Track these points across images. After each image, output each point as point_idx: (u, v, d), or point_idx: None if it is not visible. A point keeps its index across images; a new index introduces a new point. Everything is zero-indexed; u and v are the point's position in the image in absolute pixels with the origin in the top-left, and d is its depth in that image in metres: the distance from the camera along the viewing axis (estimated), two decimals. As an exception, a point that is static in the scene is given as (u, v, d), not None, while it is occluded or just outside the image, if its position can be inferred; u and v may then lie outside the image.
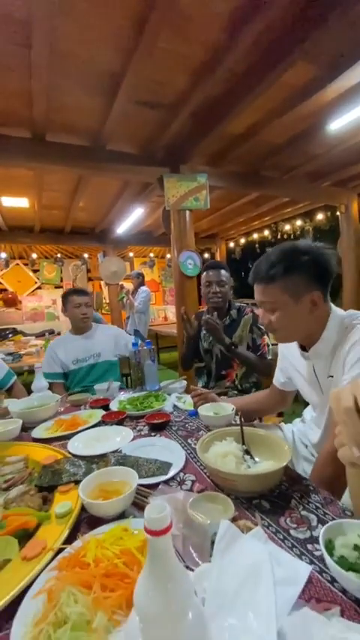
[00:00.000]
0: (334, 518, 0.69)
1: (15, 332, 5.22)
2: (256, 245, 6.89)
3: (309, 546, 0.63)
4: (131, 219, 4.71)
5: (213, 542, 0.60)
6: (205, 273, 1.89)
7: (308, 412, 1.30)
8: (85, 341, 2.06)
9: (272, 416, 2.14)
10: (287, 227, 6.09)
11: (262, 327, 1.78)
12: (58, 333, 5.18)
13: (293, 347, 1.09)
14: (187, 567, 0.58)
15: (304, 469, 1.20)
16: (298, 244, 0.94)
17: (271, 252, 0.96)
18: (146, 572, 0.42)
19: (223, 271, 1.85)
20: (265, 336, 1.79)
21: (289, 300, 0.91)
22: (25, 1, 1.53)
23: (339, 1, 1.63)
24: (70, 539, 0.66)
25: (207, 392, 1.33)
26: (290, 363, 1.18)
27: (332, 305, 0.98)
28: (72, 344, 2.05)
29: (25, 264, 6.66)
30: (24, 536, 0.67)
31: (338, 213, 4.66)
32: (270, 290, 0.93)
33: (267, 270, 0.92)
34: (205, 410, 1.21)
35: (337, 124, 2.70)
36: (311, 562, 0.59)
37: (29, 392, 1.69)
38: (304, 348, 1.05)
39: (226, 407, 1.22)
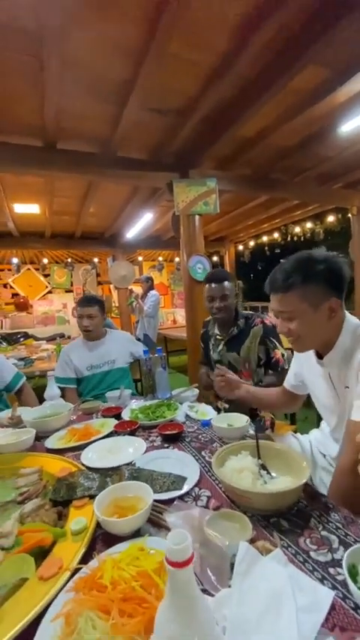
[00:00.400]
0: (356, 540, 0.67)
1: (26, 336, 5.28)
2: (266, 248, 6.84)
3: (331, 570, 0.61)
4: (140, 223, 4.74)
5: (232, 565, 0.59)
6: (207, 285, 1.78)
7: (325, 424, 1.27)
8: (99, 348, 2.06)
9: (285, 424, 2.11)
10: (297, 229, 6.02)
11: (274, 339, 1.73)
12: (69, 337, 5.23)
13: (310, 354, 1.09)
14: (206, 591, 0.57)
15: (322, 478, 1.18)
16: (313, 253, 0.95)
17: (287, 261, 0.97)
18: (167, 602, 0.41)
19: (225, 283, 1.73)
20: (278, 349, 1.72)
21: (308, 308, 0.92)
22: (35, 13, 1.55)
23: (349, 3, 1.61)
24: (86, 558, 0.65)
25: (230, 375, 1.32)
26: (307, 370, 1.18)
27: (346, 312, 0.99)
28: (86, 350, 2.04)
29: (36, 269, 6.75)
30: (39, 553, 0.67)
31: (349, 215, 4.59)
32: (288, 299, 0.94)
33: (284, 279, 0.93)
34: (219, 421, 1.19)
35: (348, 126, 2.67)
36: (333, 587, 0.58)
37: (39, 396, 1.70)
38: (319, 355, 1.05)
39: (241, 418, 1.20)
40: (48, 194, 3.71)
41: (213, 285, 1.76)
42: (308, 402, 1.32)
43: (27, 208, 4.14)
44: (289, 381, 1.30)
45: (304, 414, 2.73)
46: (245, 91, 2.28)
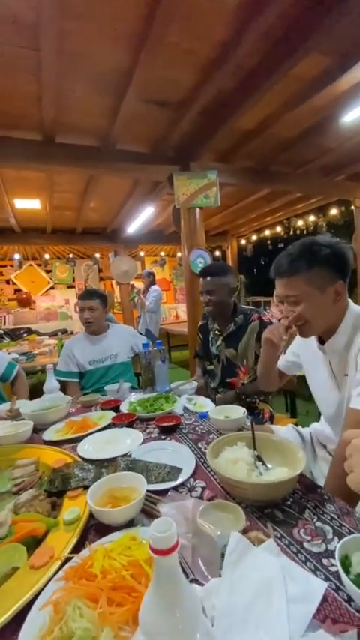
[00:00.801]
0: (350, 531, 0.67)
1: (29, 331, 5.30)
2: (269, 242, 6.79)
3: (324, 561, 0.60)
4: (141, 218, 4.71)
5: (223, 555, 0.58)
6: (200, 279, 1.79)
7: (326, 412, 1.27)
8: (101, 342, 2.06)
9: (285, 417, 2.10)
10: (300, 223, 5.96)
11: None
12: (71, 332, 5.24)
13: (311, 341, 1.10)
14: (196, 581, 0.57)
15: (322, 470, 1.17)
16: (318, 239, 0.96)
17: (292, 246, 0.98)
18: (152, 591, 0.40)
19: (214, 278, 1.71)
20: None
21: (315, 291, 0.93)
22: (31, 4, 1.52)
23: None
24: (77, 548, 0.65)
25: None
26: (307, 356, 1.19)
27: (350, 300, 1.00)
28: (89, 344, 2.04)
29: (39, 265, 6.76)
30: (32, 542, 0.67)
31: (353, 207, 4.53)
32: (294, 283, 0.95)
33: (289, 263, 0.95)
34: (216, 413, 1.19)
35: (351, 116, 2.62)
36: (326, 578, 0.57)
37: (40, 391, 1.70)
38: (321, 341, 1.05)
39: (238, 410, 1.19)
40: (48, 189, 3.69)
41: (202, 279, 1.77)
42: (309, 396, 1.31)
43: (28, 204, 4.13)
44: (281, 362, 1.30)
45: (305, 407, 2.72)
46: (245, 82, 2.24)
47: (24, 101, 2.25)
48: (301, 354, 1.23)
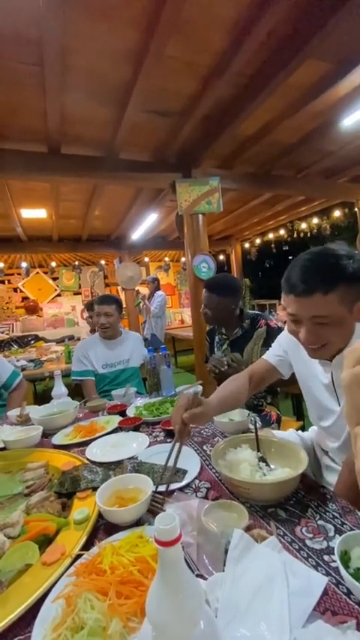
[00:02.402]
0: (352, 529, 0.68)
1: (37, 338, 5.38)
2: (272, 245, 6.80)
3: (325, 557, 0.62)
4: (145, 224, 4.78)
5: (226, 551, 0.60)
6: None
7: (318, 419, 1.23)
8: (116, 347, 2.10)
9: (291, 420, 2.11)
10: (304, 225, 5.98)
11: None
12: (78, 339, 5.30)
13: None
14: (201, 576, 0.59)
15: (327, 479, 1.15)
16: (338, 250, 0.84)
17: (309, 260, 0.84)
18: (157, 582, 0.43)
19: (210, 293, 1.73)
20: None
21: (345, 311, 0.82)
22: (34, 22, 1.59)
23: (347, -3, 1.61)
24: (87, 545, 0.68)
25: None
26: (305, 364, 1.08)
27: None
28: (104, 348, 2.08)
29: (45, 273, 6.86)
30: (44, 541, 0.70)
31: (356, 209, 4.54)
32: (324, 302, 0.80)
33: (314, 279, 0.80)
34: (221, 416, 1.21)
35: (350, 120, 2.65)
36: (327, 573, 0.59)
37: (49, 397, 1.74)
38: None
39: (242, 412, 1.21)
40: (54, 199, 3.78)
41: (204, 290, 1.80)
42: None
43: (34, 213, 4.23)
44: (273, 357, 1.19)
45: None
46: (244, 89, 2.29)
47: (29, 114, 2.32)
48: (290, 353, 1.14)
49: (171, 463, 0.87)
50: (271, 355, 1.21)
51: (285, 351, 1.16)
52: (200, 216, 3.24)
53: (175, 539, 0.41)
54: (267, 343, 1.69)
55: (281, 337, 1.18)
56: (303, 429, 1.84)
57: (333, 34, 1.77)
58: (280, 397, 2.06)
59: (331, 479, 1.09)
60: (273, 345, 1.21)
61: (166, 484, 0.85)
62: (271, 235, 6.61)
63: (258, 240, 7.00)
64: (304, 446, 1.24)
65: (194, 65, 2.03)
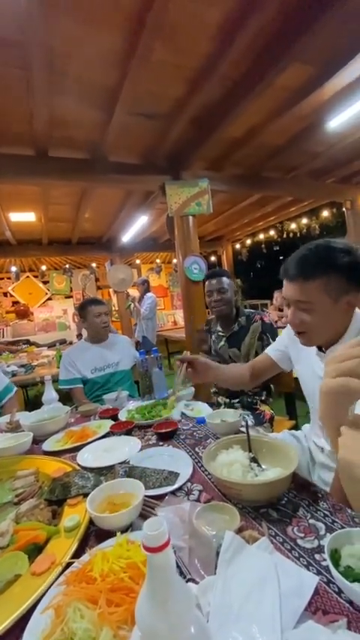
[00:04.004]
0: (342, 527, 0.69)
1: (28, 343, 5.32)
2: (263, 245, 6.86)
3: (316, 556, 0.62)
4: (136, 227, 4.77)
5: (218, 554, 0.60)
6: (207, 282, 1.91)
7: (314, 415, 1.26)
8: (102, 350, 2.08)
9: (284, 419, 2.12)
10: (293, 226, 6.04)
11: (269, 337, 1.75)
12: (70, 343, 5.26)
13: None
14: (193, 580, 0.59)
15: (321, 477, 1.16)
16: (337, 243, 0.89)
17: (306, 249, 0.91)
18: (146, 588, 0.42)
19: (224, 278, 1.86)
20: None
21: (328, 300, 0.87)
22: (19, 25, 1.58)
23: (329, 1, 1.63)
24: (78, 553, 0.67)
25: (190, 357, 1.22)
26: (302, 356, 1.13)
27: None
28: (90, 353, 2.07)
29: (35, 276, 6.80)
30: (34, 550, 0.68)
31: (344, 209, 4.60)
32: (308, 288, 0.87)
33: (305, 267, 0.87)
34: (213, 418, 1.21)
35: (336, 122, 2.69)
36: (318, 572, 0.59)
37: (40, 402, 1.71)
38: (319, 347, 1.02)
39: (233, 413, 1.21)
40: (43, 202, 3.75)
41: (212, 280, 1.87)
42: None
43: (23, 217, 4.19)
44: (273, 351, 1.25)
45: (304, 409, 2.71)
46: (231, 92, 2.31)
47: (16, 117, 2.31)
48: (290, 349, 1.19)
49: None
50: (271, 350, 1.28)
51: (286, 345, 1.21)
52: (190, 217, 3.25)
53: (163, 545, 0.41)
54: (260, 337, 1.79)
55: (283, 333, 1.23)
56: (296, 428, 1.85)
57: (316, 39, 1.80)
58: (274, 396, 2.07)
59: (326, 476, 1.10)
60: (276, 340, 1.28)
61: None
62: (261, 236, 6.67)
63: (249, 241, 7.05)
64: (299, 445, 1.25)
65: (181, 68, 2.04)
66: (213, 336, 1.97)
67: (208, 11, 1.65)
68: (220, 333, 1.90)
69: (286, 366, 1.26)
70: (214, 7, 1.64)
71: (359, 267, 0.87)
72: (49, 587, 0.59)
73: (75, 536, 0.70)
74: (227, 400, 1.85)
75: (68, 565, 0.64)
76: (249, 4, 1.63)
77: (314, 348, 1.04)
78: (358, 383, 0.47)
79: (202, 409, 1.46)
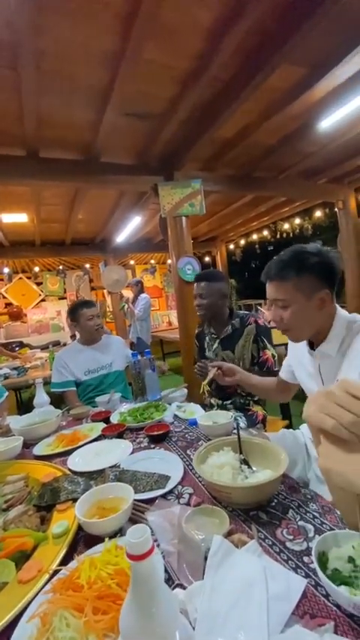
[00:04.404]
0: (331, 528, 0.69)
1: (22, 345, 5.27)
2: (256, 246, 6.88)
3: (305, 559, 0.63)
4: (130, 227, 4.75)
5: (206, 559, 0.60)
6: (194, 285, 1.88)
7: None
8: (95, 352, 2.07)
9: (277, 419, 2.13)
10: (286, 226, 6.07)
11: (265, 339, 1.75)
12: (64, 344, 5.22)
13: (303, 346, 1.13)
14: (181, 586, 0.58)
15: (317, 472, 1.18)
16: (308, 247, 1.01)
17: (283, 253, 1.03)
18: (130, 597, 0.42)
19: (202, 283, 1.79)
20: (268, 350, 1.74)
21: (301, 297, 0.98)
22: (7, 24, 1.56)
23: (318, 3, 1.64)
24: (67, 559, 0.66)
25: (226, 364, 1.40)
26: (297, 362, 1.22)
27: (337, 306, 1.03)
28: (82, 355, 2.05)
29: (29, 278, 6.74)
30: (21, 557, 0.68)
31: (336, 209, 4.63)
32: (283, 287, 0.99)
33: (280, 268, 1.00)
34: (204, 419, 1.21)
35: (327, 122, 2.70)
36: (307, 575, 0.59)
37: (33, 406, 1.70)
38: (311, 345, 1.09)
39: (225, 415, 1.21)
40: (35, 203, 3.72)
41: (195, 284, 1.84)
42: (303, 397, 1.33)
43: (15, 218, 4.14)
44: (283, 370, 1.35)
45: (298, 408, 2.73)
46: (222, 93, 2.31)
47: (5, 118, 2.28)
48: (291, 361, 1.27)
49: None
50: (282, 372, 1.36)
51: (289, 364, 1.29)
52: (184, 218, 3.24)
53: (146, 553, 0.40)
54: (256, 340, 1.77)
55: (288, 351, 1.31)
56: (289, 428, 1.86)
57: (306, 40, 1.80)
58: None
59: (321, 472, 1.11)
60: (284, 362, 1.35)
61: None
62: (255, 236, 6.68)
63: (242, 242, 7.07)
64: (296, 443, 1.26)
65: (172, 69, 2.03)
66: (206, 339, 1.95)
67: (197, 11, 1.65)
68: (214, 335, 1.89)
69: (293, 381, 1.33)
70: (204, 8, 1.63)
71: (327, 267, 0.98)
72: (36, 596, 0.58)
73: (63, 542, 0.70)
74: (220, 402, 1.84)
75: (56, 572, 0.63)
76: (239, 5, 1.63)
77: (307, 350, 1.09)
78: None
79: (194, 410, 1.46)
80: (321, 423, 0.51)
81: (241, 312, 1.90)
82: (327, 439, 0.51)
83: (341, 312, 1.02)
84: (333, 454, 0.50)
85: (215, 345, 1.86)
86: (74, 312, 2.04)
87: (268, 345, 1.75)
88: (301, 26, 1.73)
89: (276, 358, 1.75)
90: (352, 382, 0.52)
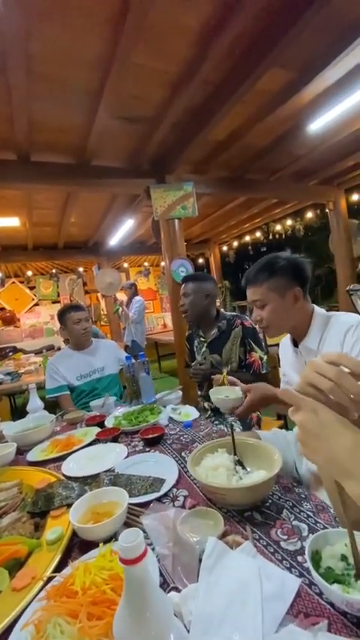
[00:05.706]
0: (325, 527, 0.69)
1: (15, 350, 5.23)
2: (249, 247, 6.92)
3: (299, 558, 0.63)
4: (122, 230, 4.75)
5: (201, 561, 0.60)
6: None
7: None
8: (86, 356, 2.06)
9: (272, 419, 2.14)
10: (278, 227, 6.12)
11: (252, 342, 1.75)
12: (58, 348, 5.19)
13: (288, 345, 1.22)
14: (176, 589, 0.58)
15: (308, 466, 1.19)
16: (279, 254, 1.15)
17: (259, 261, 1.17)
18: (123, 601, 0.42)
19: (187, 284, 1.81)
20: (255, 352, 1.72)
21: (276, 296, 1.10)
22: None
23: (306, 7, 1.66)
24: (61, 566, 0.66)
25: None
26: (289, 363, 1.26)
27: (315, 305, 1.14)
28: (74, 360, 2.04)
29: (21, 282, 6.70)
30: (15, 565, 0.67)
31: (327, 210, 4.69)
32: (259, 290, 1.12)
33: (255, 274, 1.14)
34: (216, 393, 1.23)
35: (316, 125, 2.73)
36: (301, 575, 0.59)
37: (26, 412, 1.68)
38: (296, 344, 1.17)
39: (236, 390, 1.21)
40: (27, 206, 3.70)
41: (182, 286, 1.87)
42: None
43: (6, 222, 4.12)
44: (282, 382, 1.35)
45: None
46: (213, 96, 2.33)
47: (-4, 122, 2.27)
48: (284, 367, 1.29)
49: None
50: (282, 384, 1.36)
51: (282, 367, 1.34)
52: (176, 221, 3.25)
53: (139, 557, 0.40)
54: (243, 342, 1.75)
55: (279, 356, 1.36)
56: (284, 428, 1.86)
57: (294, 44, 1.83)
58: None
59: (314, 467, 1.12)
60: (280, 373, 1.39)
61: None
62: (247, 238, 6.73)
63: (235, 243, 7.11)
64: (287, 442, 1.27)
65: (162, 72, 2.05)
66: (195, 342, 1.95)
67: (186, 15, 1.66)
68: (202, 339, 1.88)
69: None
70: (192, 12, 1.65)
71: (296, 267, 1.11)
72: (30, 603, 0.58)
73: (57, 549, 0.69)
74: (213, 405, 1.84)
75: (50, 579, 0.62)
76: (227, 9, 1.65)
77: (292, 350, 1.19)
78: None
79: (189, 412, 1.46)
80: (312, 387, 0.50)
81: (228, 313, 1.87)
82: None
83: (319, 310, 1.13)
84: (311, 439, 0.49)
85: (203, 349, 1.85)
86: (62, 315, 2.03)
87: (256, 347, 1.73)
88: (290, 30, 1.75)
89: (264, 360, 1.74)
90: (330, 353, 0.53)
